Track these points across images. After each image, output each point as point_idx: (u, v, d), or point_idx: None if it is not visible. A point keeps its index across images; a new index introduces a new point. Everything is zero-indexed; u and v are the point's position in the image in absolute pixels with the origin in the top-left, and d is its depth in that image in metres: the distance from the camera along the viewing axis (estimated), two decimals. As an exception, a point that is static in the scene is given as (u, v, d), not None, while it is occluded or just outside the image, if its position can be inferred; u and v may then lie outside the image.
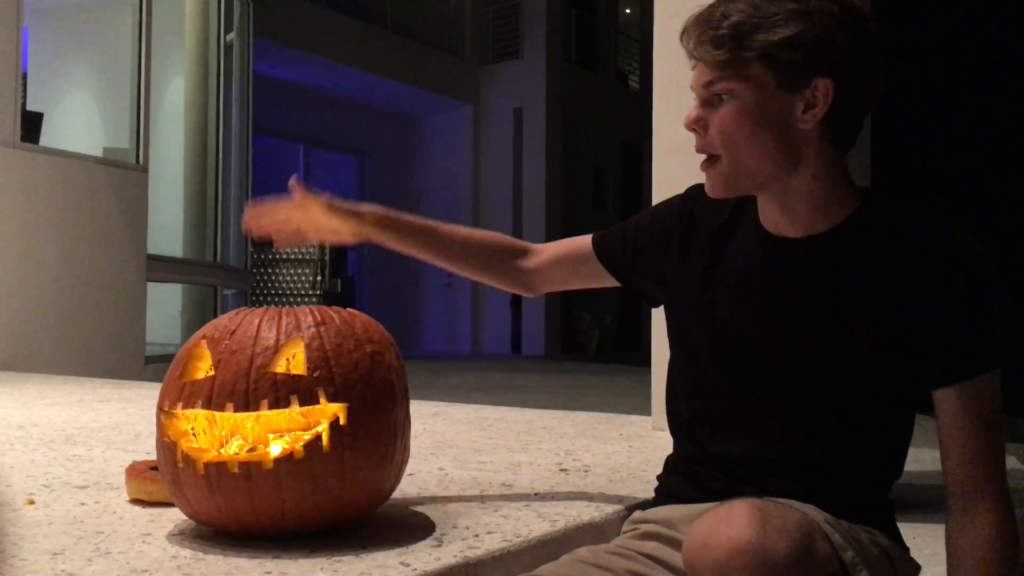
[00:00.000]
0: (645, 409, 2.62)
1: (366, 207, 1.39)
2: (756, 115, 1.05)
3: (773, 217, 1.12)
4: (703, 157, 1.10)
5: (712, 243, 1.19)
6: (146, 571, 1.06)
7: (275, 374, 1.14)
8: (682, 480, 1.19)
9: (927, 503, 1.35)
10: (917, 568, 1.13)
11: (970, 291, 1.03)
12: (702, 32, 1.06)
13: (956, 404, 1.04)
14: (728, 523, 0.87)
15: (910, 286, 1.04)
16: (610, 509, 1.43)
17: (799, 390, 1.09)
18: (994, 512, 1.03)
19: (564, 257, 1.38)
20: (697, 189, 1.26)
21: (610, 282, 1.36)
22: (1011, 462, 2.85)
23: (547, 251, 1.40)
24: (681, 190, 1.28)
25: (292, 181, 1.36)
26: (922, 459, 1.84)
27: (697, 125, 1.09)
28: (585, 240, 1.36)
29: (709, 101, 1.08)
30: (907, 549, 1.13)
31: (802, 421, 1.09)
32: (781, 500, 0.99)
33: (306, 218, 1.39)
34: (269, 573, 1.05)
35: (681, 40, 1.10)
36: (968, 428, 1.04)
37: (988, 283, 1.04)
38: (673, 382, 1.24)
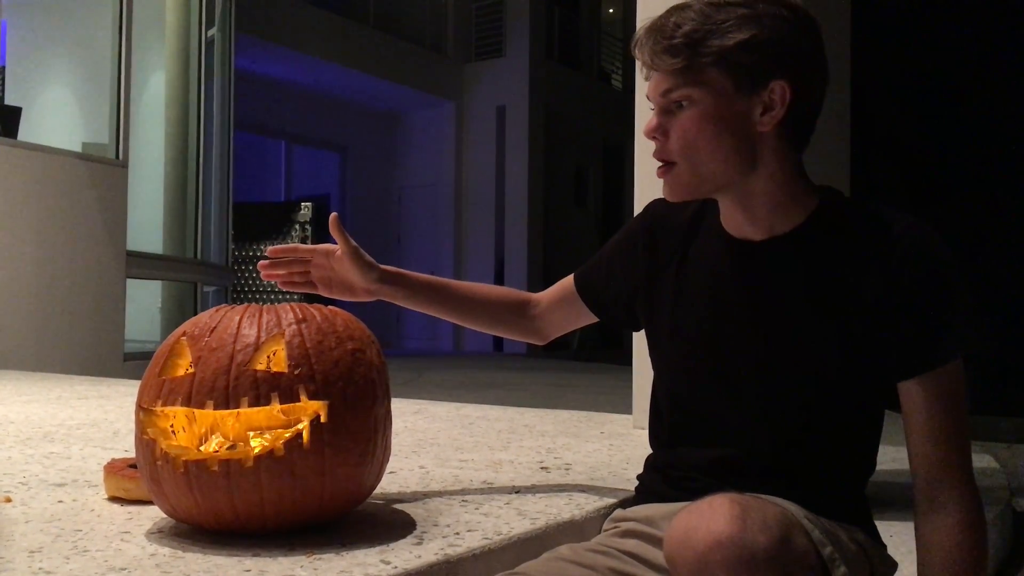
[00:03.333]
0: (626, 407, 2.63)
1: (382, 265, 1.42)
2: (716, 120, 1.06)
3: (735, 220, 1.14)
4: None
5: (676, 252, 1.21)
6: (124, 569, 1.05)
7: (255, 371, 1.14)
8: (661, 479, 1.20)
9: (904, 501, 1.36)
10: (894, 565, 1.14)
11: (928, 283, 1.04)
12: (656, 42, 1.07)
13: (920, 395, 1.05)
14: (708, 517, 0.88)
15: (871, 281, 1.06)
16: (590, 507, 1.44)
17: (771, 390, 1.10)
18: (960, 503, 1.04)
19: (559, 300, 1.43)
20: (656, 204, 1.29)
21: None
22: (987, 461, 2.88)
23: (546, 298, 1.45)
24: (662, 189, 1.29)
25: (333, 217, 1.37)
26: (900, 458, 1.85)
27: (657, 133, 1.10)
28: (571, 279, 1.41)
29: (667, 109, 1.09)
30: (884, 546, 1.14)
31: (776, 421, 1.10)
32: (761, 496, 1.00)
33: (325, 267, 1.41)
34: (248, 571, 1.05)
35: (633, 51, 1.11)
36: (932, 419, 1.05)
37: (946, 275, 1.05)
38: (656, 400, 1.25)
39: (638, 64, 1.13)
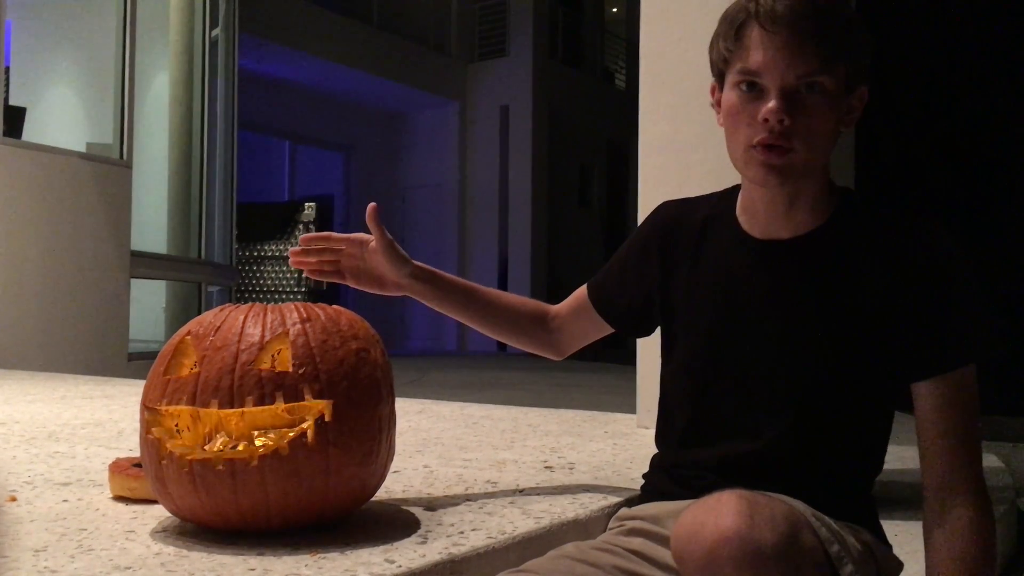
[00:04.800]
0: (630, 407, 2.62)
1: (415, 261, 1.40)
2: (835, 112, 1.06)
3: (766, 218, 1.13)
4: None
5: (690, 252, 1.21)
6: (129, 568, 1.06)
7: (260, 371, 1.14)
8: (668, 478, 1.20)
9: (910, 501, 1.36)
10: (900, 565, 1.14)
11: (946, 286, 1.05)
12: (806, 19, 1.02)
13: (934, 397, 1.05)
14: (716, 513, 0.88)
15: (888, 282, 1.06)
16: (595, 506, 1.44)
17: (784, 388, 1.10)
18: (971, 505, 1.04)
19: (574, 312, 1.41)
20: (666, 206, 1.29)
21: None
22: (991, 460, 2.87)
23: (562, 310, 1.43)
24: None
25: (371, 208, 1.33)
26: (905, 457, 1.85)
27: (786, 114, 1.03)
28: (584, 290, 1.39)
29: (794, 91, 1.03)
30: (890, 546, 1.14)
31: (788, 419, 1.10)
32: (769, 494, 1.00)
33: (356, 258, 1.39)
34: (253, 570, 1.05)
35: (769, 22, 1.03)
36: (946, 421, 1.05)
37: (963, 279, 1.06)
38: (666, 399, 1.25)
39: (757, 32, 1.03)
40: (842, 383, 1.09)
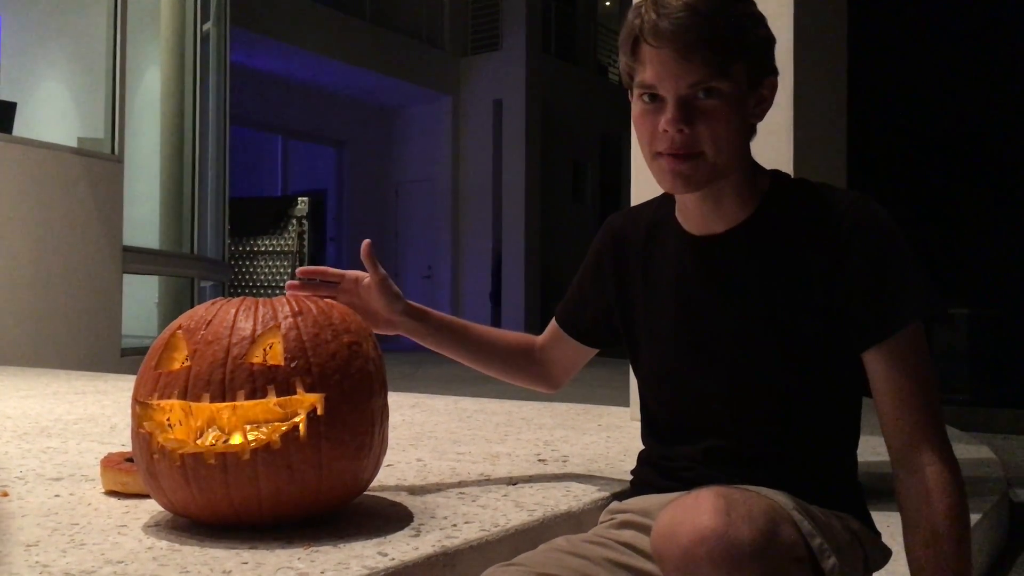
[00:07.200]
0: (623, 400, 2.63)
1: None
2: (738, 112, 1.07)
3: (699, 215, 1.15)
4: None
5: (640, 260, 1.22)
6: (122, 562, 1.06)
7: (252, 364, 1.14)
8: (655, 471, 1.21)
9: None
10: (888, 553, 1.15)
11: (877, 252, 1.06)
12: (688, 31, 1.03)
13: (884, 363, 1.06)
14: (693, 511, 0.88)
15: (824, 257, 1.07)
16: (588, 499, 1.44)
17: (751, 378, 1.11)
18: (935, 464, 1.03)
19: (551, 340, 1.44)
20: (613, 220, 1.31)
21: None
22: (984, 451, 2.89)
23: (541, 340, 1.45)
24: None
25: (366, 244, 1.35)
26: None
27: (683, 124, 1.05)
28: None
29: (689, 99, 1.05)
30: (879, 534, 1.14)
31: (759, 408, 1.11)
32: (751, 487, 1.00)
33: (352, 293, 1.40)
34: (246, 563, 1.05)
35: (652, 38, 1.05)
36: (898, 385, 1.05)
37: (893, 243, 1.06)
38: (646, 405, 1.26)
39: (646, 48, 1.05)
40: (802, 365, 1.09)
